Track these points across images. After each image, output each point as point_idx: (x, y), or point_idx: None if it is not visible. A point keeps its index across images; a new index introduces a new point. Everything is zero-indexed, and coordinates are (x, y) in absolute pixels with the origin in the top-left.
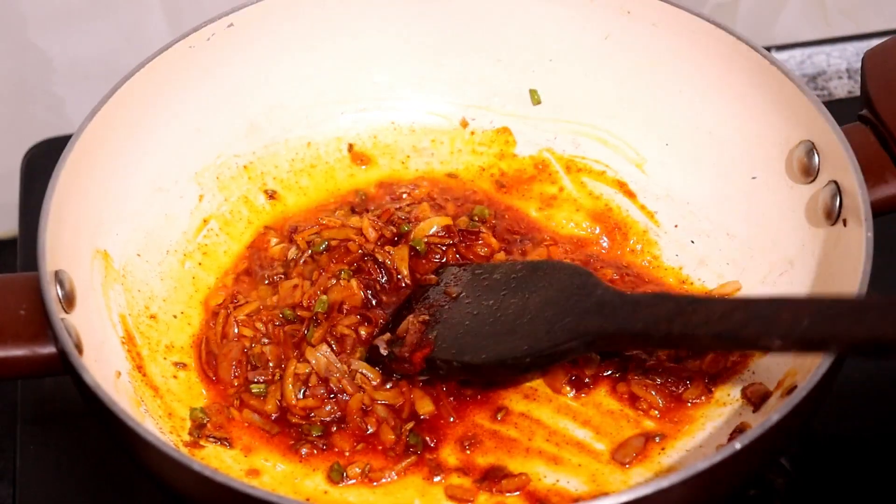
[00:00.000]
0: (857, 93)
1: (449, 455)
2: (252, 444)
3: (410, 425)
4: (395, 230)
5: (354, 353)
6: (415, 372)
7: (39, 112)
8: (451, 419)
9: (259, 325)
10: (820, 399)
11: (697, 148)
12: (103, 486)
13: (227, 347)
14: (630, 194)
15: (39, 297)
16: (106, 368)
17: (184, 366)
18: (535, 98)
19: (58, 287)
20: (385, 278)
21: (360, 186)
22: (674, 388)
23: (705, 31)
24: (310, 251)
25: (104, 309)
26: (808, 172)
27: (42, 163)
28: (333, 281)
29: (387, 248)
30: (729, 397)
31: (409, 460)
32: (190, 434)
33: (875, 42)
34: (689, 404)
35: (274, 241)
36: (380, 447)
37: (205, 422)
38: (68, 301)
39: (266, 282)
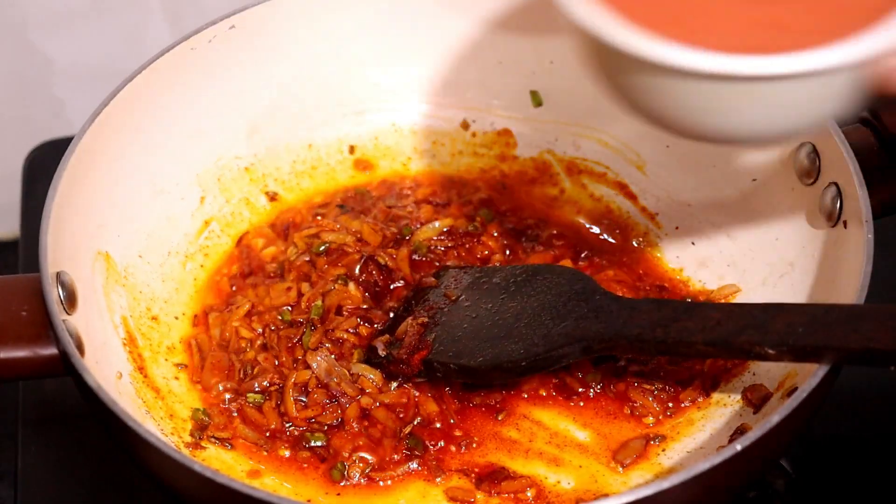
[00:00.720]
0: None
1: (449, 456)
2: (253, 447)
3: (409, 428)
4: (395, 231)
5: (352, 356)
6: (412, 374)
7: (41, 114)
8: (452, 420)
9: (255, 328)
10: (820, 400)
11: (698, 150)
12: (104, 486)
13: (214, 354)
14: (631, 196)
15: (41, 299)
16: (107, 370)
17: (185, 367)
18: (536, 100)
19: (59, 288)
20: (385, 280)
21: (361, 188)
22: (673, 391)
23: None
24: (307, 255)
25: (105, 310)
26: (809, 174)
27: (43, 164)
28: (332, 286)
29: (388, 249)
30: (729, 399)
31: (409, 462)
32: (191, 435)
33: None
34: (689, 406)
35: (261, 241)
36: (381, 449)
37: (206, 423)
38: (70, 302)
39: (260, 284)
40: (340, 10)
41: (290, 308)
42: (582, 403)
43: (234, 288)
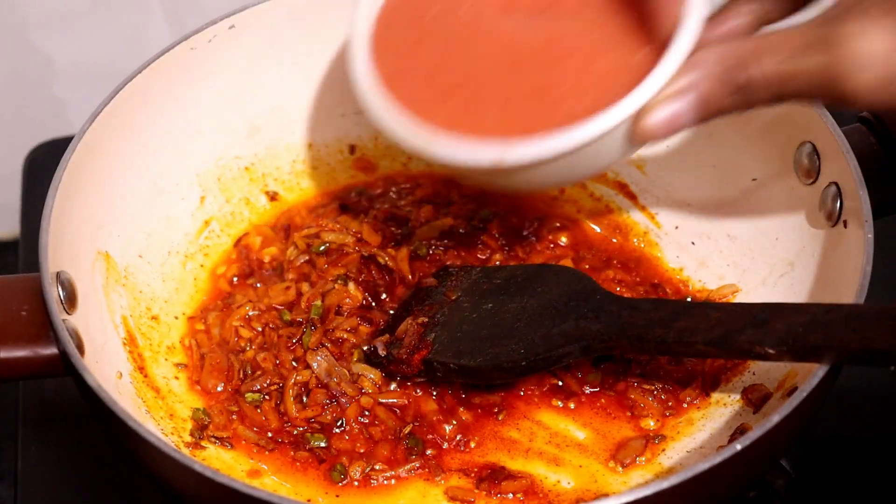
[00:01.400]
0: None
1: (449, 456)
2: (253, 446)
3: (409, 428)
4: (395, 231)
5: (352, 356)
6: (412, 374)
7: (41, 114)
8: (454, 421)
9: (254, 328)
10: (820, 400)
11: (698, 149)
12: (104, 486)
13: (213, 355)
14: (631, 196)
15: (41, 299)
16: (107, 369)
17: (185, 367)
18: None
19: (59, 288)
20: (385, 280)
21: (361, 188)
22: (673, 391)
23: None
24: (307, 255)
25: (106, 310)
26: (809, 174)
27: (43, 164)
28: (332, 286)
29: (388, 249)
30: (729, 398)
31: (410, 462)
32: (191, 435)
33: None
34: (689, 406)
35: (258, 240)
36: (381, 449)
37: (206, 423)
38: (70, 302)
39: (259, 284)
40: (340, 10)
41: (289, 308)
42: (582, 403)
43: (233, 286)
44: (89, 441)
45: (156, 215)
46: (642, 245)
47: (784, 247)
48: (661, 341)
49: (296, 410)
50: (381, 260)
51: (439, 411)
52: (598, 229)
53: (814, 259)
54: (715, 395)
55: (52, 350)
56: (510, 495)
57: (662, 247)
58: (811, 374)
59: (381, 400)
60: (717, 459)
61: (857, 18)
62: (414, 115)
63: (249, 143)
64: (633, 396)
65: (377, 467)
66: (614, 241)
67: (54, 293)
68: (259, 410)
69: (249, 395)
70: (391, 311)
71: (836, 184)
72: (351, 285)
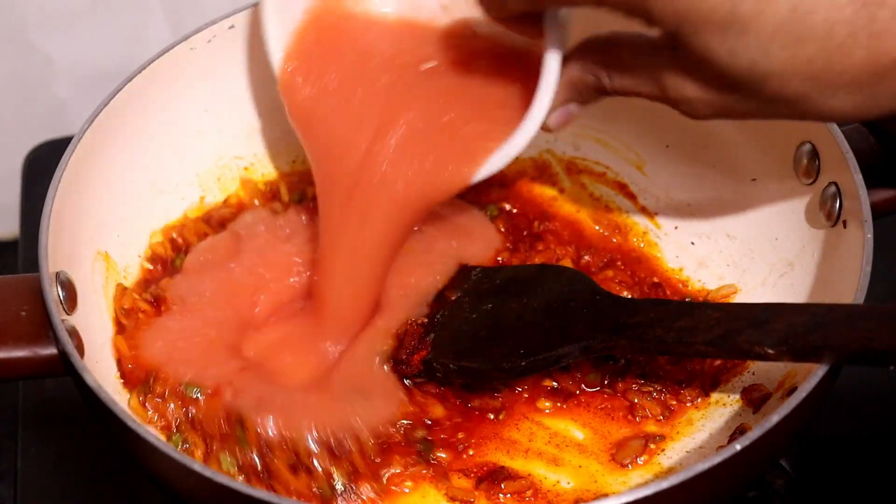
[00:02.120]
0: None
1: (450, 457)
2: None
3: (422, 433)
4: None
5: None
6: (412, 374)
7: (40, 114)
8: (460, 421)
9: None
10: (820, 400)
11: (697, 149)
12: (104, 486)
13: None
14: (630, 196)
15: (40, 299)
16: (107, 370)
17: None
18: None
19: (59, 288)
20: None
21: None
22: (672, 391)
23: None
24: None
25: (105, 310)
26: (809, 174)
27: (43, 164)
28: None
29: None
30: (729, 399)
31: (420, 468)
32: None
33: None
34: (689, 406)
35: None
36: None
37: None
38: (69, 302)
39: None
40: None
41: None
42: (581, 403)
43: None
44: (89, 441)
45: (156, 215)
46: (642, 245)
47: (784, 247)
48: (660, 341)
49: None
50: None
51: (447, 414)
52: (598, 229)
53: (813, 259)
54: (714, 396)
55: (51, 350)
56: (510, 495)
57: (662, 247)
58: (811, 374)
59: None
60: (717, 459)
61: None
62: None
63: (249, 143)
64: (632, 397)
65: (389, 476)
66: (614, 241)
67: (54, 293)
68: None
69: (227, 465)
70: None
71: (835, 184)
72: None
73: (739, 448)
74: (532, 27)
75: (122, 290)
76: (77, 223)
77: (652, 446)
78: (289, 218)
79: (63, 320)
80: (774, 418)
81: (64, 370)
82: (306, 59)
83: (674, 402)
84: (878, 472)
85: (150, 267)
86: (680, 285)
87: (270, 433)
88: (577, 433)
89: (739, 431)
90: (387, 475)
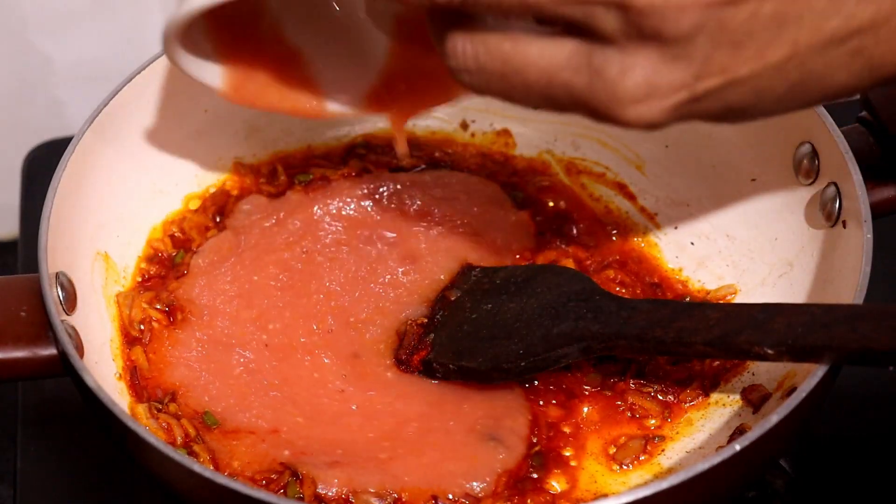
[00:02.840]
0: (857, 95)
1: None
2: None
3: (538, 447)
4: None
5: None
6: (412, 374)
7: (40, 114)
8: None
9: None
10: (820, 400)
11: (697, 149)
12: (104, 486)
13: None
14: (630, 196)
15: (40, 299)
16: (106, 370)
17: None
18: None
19: (58, 289)
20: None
21: None
22: (672, 391)
23: None
24: None
25: (105, 311)
26: (808, 174)
27: (43, 165)
28: None
29: None
30: (728, 399)
31: None
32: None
33: None
34: (689, 406)
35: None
36: None
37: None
38: (69, 303)
39: None
40: None
41: None
42: (581, 403)
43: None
44: (89, 441)
45: (155, 216)
46: (642, 245)
47: (783, 247)
48: (660, 342)
49: None
50: None
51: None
52: (597, 229)
53: (813, 259)
54: (714, 396)
55: (51, 351)
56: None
57: (662, 247)
58: (811, 374)
59: None
60: (717, 460)
61: None
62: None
63: (249, 143)
64: (632, 397)
65: None
66: (614, 241)
67: (53, 294)
68: None
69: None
70: None
71: (835, 184)
72: None
73: (739, 448)
74: None
75: (128, 299)
76: (77, 223)
77: (652, 446)
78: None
79: (63, 321)
80: (774, 418)
81: (64, 370)
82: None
83: (673, 403)
84: (878, 473)
85: (150, 267)
86: (679, 285)
87: (334, 492)
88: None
89: (739, 431)
90: None
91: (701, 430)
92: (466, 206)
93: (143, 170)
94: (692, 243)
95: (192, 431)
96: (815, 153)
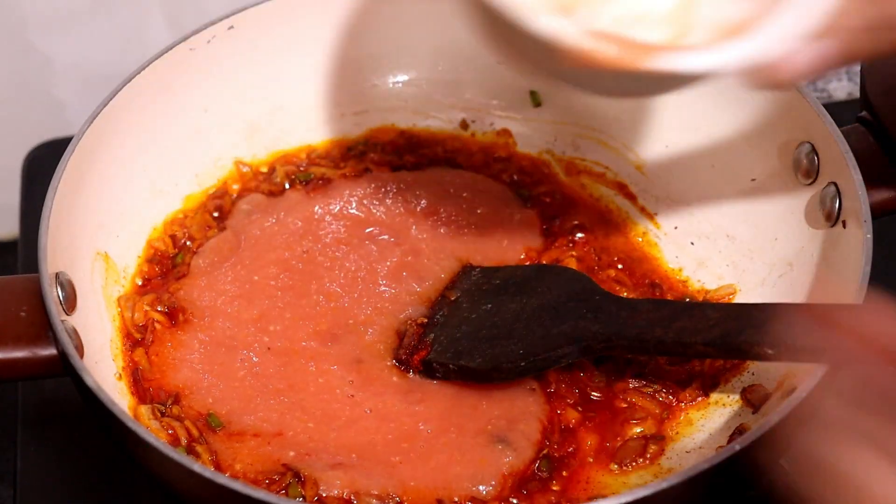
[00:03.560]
0: (857, 95)
1: None
2: None
3: (546, 449)
4: None
5: None
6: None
7: (40, 114)
8: None
9: None
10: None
11: (697, 150)
12: (104, 486)
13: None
14: (630, 196)
15: (40, 299)
16: (106, 370)
17: None
18: (535, 100)
19: (58, 289)
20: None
21: None
22: (672, 391)
23: None
24: None
25: (105, 311)
26: (808, 174)
27: (43, 165)
28: None
29: None
30: (728, 399)
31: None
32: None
33: None
34: (688, 406)
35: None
36: None
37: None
38: (69, 303)
39: None
40: (339, 11)
41: None
42: (580, 403)
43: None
44: (89, 441)
45: (155, 216)
46: (641, 245)
47: (783, 247)
48: (660, 342)
49: None
50: None
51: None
52: (597, 229)
53: (813, 259)
54: (714, 396)
55: (51, 351)
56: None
57: (661, 247)
58: (810, 375)
59: None
60: (717, 459)
61: None
62: None
63: (249, 143)
64: (632, 397)
65: None
66: (614, 241)
67: (53, 294)
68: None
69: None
70: None
71: (835, 184)
72: None
73: (739, 448)
74: None
75: (130, 302)
76: (77, 223)
77: (652, 446)
78: (287, 201)
79: (63, 321)
80: (774, 418)
81: (64, 370)
82: None
83: (673, 403)
84: None
85: (151, 267)
86: (679, 285)
87: (335, 493)
88: (577, 433)
89: (739, 431)
90: None
91: (701, 430)
92: (471, 204)
93: (143, 170)
94: (692, 243)
95: (195, 432)
96: (815, 153)
